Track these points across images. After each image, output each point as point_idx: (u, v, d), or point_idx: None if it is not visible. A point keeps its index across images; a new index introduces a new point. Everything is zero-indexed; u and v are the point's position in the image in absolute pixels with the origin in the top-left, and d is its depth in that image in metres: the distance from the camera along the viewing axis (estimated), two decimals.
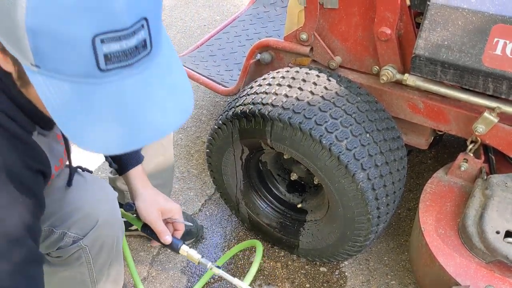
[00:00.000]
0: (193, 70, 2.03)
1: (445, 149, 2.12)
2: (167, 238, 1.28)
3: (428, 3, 1.26)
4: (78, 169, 1.18)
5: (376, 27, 1.42)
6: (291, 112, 1.37)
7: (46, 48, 0.62)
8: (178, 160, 2.13)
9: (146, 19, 0.65)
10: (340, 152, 1.33)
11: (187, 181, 2.04)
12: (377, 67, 1.54)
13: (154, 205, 1.28)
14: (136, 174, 1.31)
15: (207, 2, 3.36)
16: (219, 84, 1.97)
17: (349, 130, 1.36)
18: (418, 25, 1.47)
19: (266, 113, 1.39)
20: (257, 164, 1.67)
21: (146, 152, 1.50)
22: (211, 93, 2.49)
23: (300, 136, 1.36)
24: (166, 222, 1.32)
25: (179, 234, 1.33)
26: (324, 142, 1.33)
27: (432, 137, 1.65)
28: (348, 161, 1.33)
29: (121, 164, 1.31)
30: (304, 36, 1.58)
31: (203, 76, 2.00)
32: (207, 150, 1.64)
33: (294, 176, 1.67)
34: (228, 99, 2.38)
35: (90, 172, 1.27)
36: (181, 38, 3.00)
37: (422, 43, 1.30)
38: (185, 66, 2.05)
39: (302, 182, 1.71)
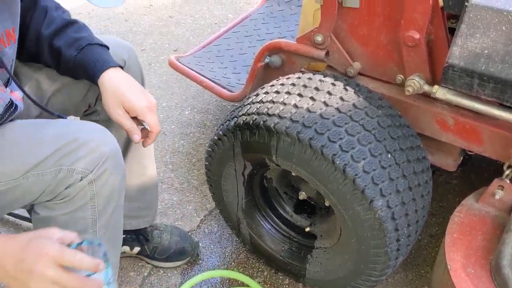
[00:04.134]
0: (197, 72, 1.86)
1: (472, 167, 1.92)
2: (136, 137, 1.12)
3: (466, 3, 1.07)
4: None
5: (402, 31, 1.23)
6: (300, 126, 1.18)
7: None
8: (178, 169, 1.96)
9: None
10: (356, 174, 1.14)
11: (186, 193, 1.86)
12: (401, 76, 1.35)
13: (117, 100, 1.11)
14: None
15: None
16: (225, 88, 1.79)
17: (367, 149, 1.18)
18: (450, 30, 1.28)
19: (272, 125, 1.21)
20: (261, 181, 1.49)
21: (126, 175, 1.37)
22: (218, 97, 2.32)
23: (310, 154, 1.18)
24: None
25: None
26: (337, 162, 1.15)
27: (461, 158, 1.45)
28: (365, 186, 1.14)
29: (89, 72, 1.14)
30: (319, 38, 1.39)
31: (207, 78, 1.83)
32: (206, 163, 1.46)
33: (302, 195, 1.48)
34: (236, 105, 2.20)
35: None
36: (190, 37, 2.83)
37: (458, 51, 1.11)
38: (188, 67, 1.88)
39: (312, 202, 1.53)
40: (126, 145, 1.37)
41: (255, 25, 2.22)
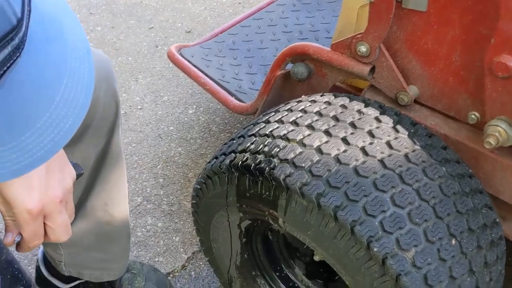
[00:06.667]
0: (200, 70, 1.46)
1: None
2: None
3: None
4: None
5: (490, 54, 0.82)
6: (323, 185, 0.79)
7: None
8: (169, 184, 1.59)
9: None
10: (402, 270, 0.75)
11: (175, 218, 1.50)
12: (476, 114, 0.93)
13: None
14: None
15: None
16: (232, 95, 1.40)
17: (422, 229, 0.78)
18: None
19: (282, 177, 0.82)
20: (264, 232, 1.11)
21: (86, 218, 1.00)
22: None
23: (335, 229, 0.79)
24: None
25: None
26: (375, 248, 0.76)
27: None
28: None
29: None
30: (363, 48, 0.98)
31: (213, 80, 1.44)
32: (193, 201, 1.09)
33: (318, 256, 1.10)
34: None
35: None
36: (207, 16, 2.42)
37: None
38: (190, 63, 1.49)
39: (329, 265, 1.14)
40: (92, 179, 1.00)
41: (282, 12, 1.80)
